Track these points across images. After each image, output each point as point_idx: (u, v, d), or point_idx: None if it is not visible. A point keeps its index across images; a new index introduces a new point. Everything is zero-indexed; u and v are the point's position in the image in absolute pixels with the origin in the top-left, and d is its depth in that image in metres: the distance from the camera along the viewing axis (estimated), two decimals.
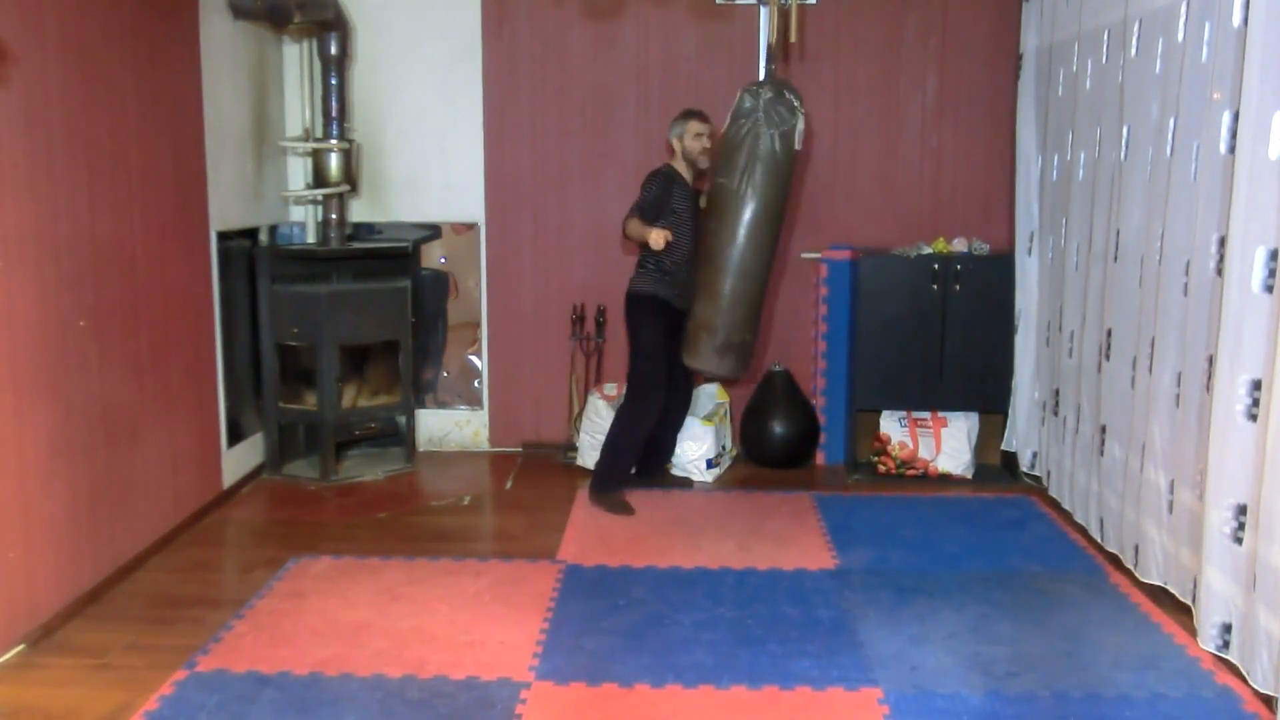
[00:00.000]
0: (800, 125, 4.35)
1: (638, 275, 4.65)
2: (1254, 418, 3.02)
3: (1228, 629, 3.16)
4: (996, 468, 5.27)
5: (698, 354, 4.50)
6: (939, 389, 5.09)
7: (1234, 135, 3.12)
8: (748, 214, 4.34)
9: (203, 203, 4.51)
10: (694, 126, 4.58)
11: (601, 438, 4.87)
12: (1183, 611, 3.47)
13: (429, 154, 5.44)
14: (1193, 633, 3.33)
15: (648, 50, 5.37)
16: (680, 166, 4.62)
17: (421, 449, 5.58)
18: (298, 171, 5.42)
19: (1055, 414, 4.73)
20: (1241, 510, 3.08)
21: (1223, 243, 3.18)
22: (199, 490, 4.49)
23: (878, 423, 5.22)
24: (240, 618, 3.50)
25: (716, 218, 4.41)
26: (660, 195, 4.51)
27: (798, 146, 4.37)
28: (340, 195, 5.21)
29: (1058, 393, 4.70)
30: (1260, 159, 2.95)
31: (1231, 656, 3.13)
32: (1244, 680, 3.04)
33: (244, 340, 4.92)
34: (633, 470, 4.86)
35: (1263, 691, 2.94)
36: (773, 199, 4.36)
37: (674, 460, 5.11)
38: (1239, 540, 3.10)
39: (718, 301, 4.42)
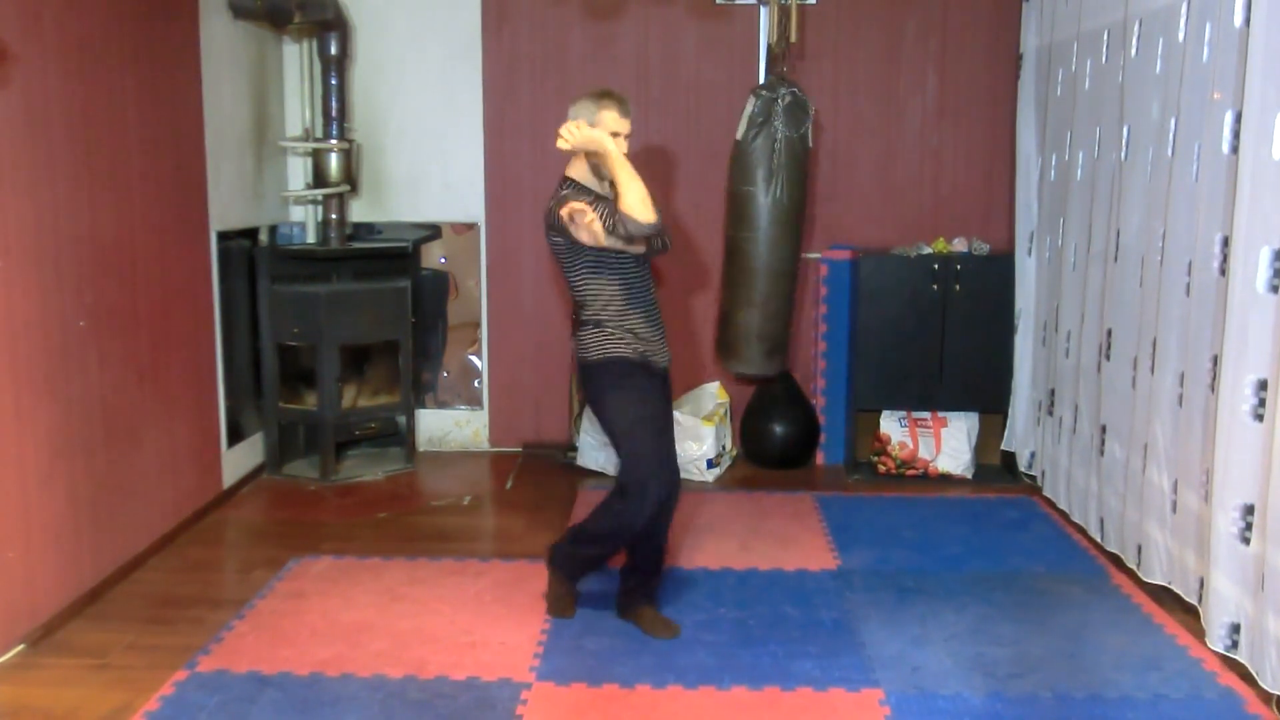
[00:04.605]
0: (809, 123, 4.57)
1: (586, 336, 3.32)
2: (1260, 418, 3.02)
3: (1236, 629, 3.16)
4: (997, 468, 5.26)
5: (748, 359, 4.78)
6: (939, 389, 5.08)
7: (1236, 135, 3.12)
8: (776, 216, 4.59)
9: (203, 203, 4.50)
10: (610, 117, 3.16)
11: (602, 438, 4.82)
12: (1185, 612, 3.47)
13: (429, 154, 5.43)
14: (1196, 633, 3.33)
15: (648, 50, 5.36)
16: (581, 174, 3.29)
17: (421, 449, 5.57)
18: (298, 171, 5.41)
19: (1050, 414, 4.73)
20: (1248, 511, 3.08)
21: (1226, 243, 3.18)
22: (199, 490, 4.48)
23: (878, 423, 5.21)
24: (241, 618, 3.50)
25: (744, 225, 4.63)
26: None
27: (809, 144, 4.61)
28: (340, 195, 5.20)
29: (1053, 392, 4.70)
30: (1264, 160, 2.95)
31: (1240, 657, 3.13)
32: (1247, 681, 3.04)
33: (244, 340, 4.91)
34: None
35: (1272, 692, 2.94)
36: (796, 197, 4.63)
37: None
38: (1246, 541, 3.10)
39: (758, 307, 4.68)
